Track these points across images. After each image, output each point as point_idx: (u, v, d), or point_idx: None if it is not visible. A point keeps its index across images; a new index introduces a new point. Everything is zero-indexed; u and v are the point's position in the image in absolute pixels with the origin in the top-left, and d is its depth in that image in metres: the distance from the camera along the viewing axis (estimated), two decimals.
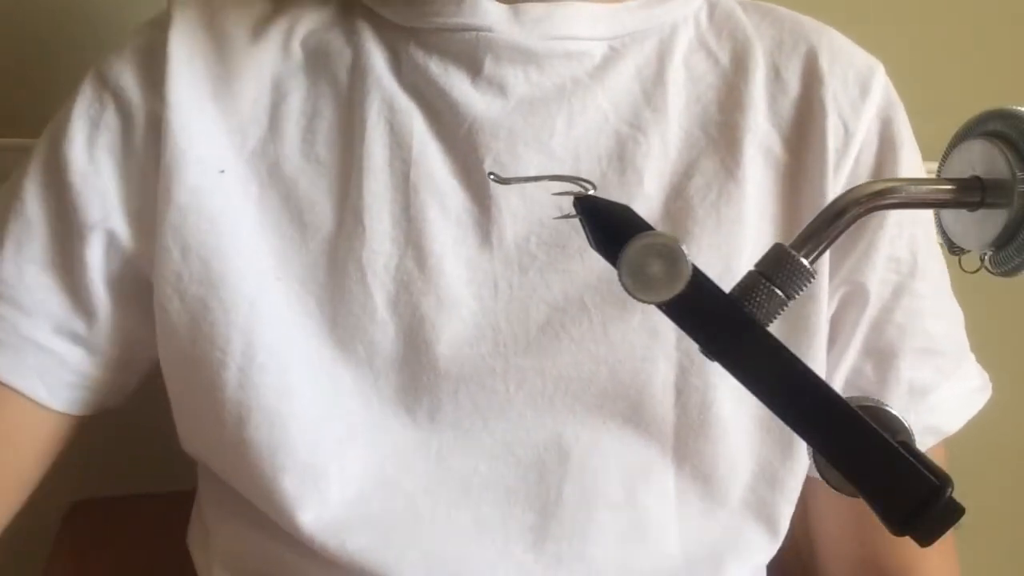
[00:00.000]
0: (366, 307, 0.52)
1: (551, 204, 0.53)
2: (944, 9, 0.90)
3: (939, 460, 0.59)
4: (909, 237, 0.56)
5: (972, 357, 0.61)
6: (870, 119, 0.55)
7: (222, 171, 0.53)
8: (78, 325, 0.55)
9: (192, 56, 0.54)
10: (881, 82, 0.57)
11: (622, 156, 0.54)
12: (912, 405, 0.57)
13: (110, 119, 0.55)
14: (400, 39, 0.55)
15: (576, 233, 0.52)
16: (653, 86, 0.55)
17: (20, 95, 0.83)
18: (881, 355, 0.57)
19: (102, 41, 0.83)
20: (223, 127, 0.54)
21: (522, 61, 0.53)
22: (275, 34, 0.56)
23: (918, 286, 0.56)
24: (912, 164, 0.56)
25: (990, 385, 0.61)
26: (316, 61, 0.56)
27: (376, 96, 0.54)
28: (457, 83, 0.53)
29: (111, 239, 0.54)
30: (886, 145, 0.56)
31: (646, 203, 0.54)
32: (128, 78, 0.55)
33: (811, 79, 0.56)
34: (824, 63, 0.56)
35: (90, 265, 0.54)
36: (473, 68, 0.54)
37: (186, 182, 0.52)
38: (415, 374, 0.53)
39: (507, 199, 0.53)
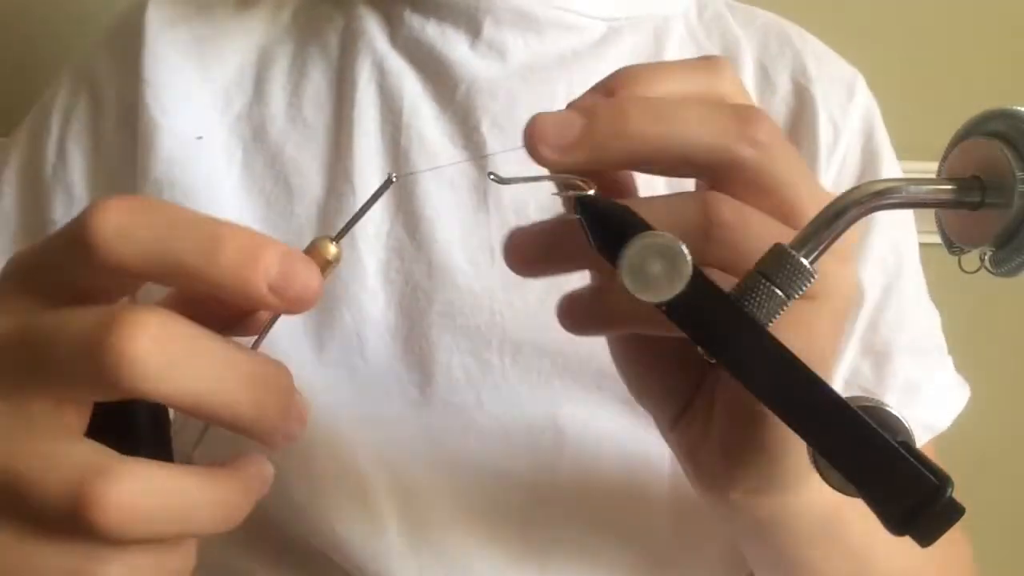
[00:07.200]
0: (355, 273, 0.51)
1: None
2: (945, 9, 0.90)
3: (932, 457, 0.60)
4: (892, 239, 0.58)
5: (949, 358, 0.62)
6: (856, 120, 0.57)
7: (200, 137, 0.52)
8: None
9: (174, 20, 0.54)
10: (863, 86, 0.59)
11: None
12: (907, 401, 0.58)
13: (82, 110, 0.55)
14: (394, 4, 0.54)
15: None
16: None
17: (20, 93, 0.83)
18: (877, 354, 0.58)
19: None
20: (206, 90, 0.53)
21: (522, 26, 0.53)
22: (264, 2, 0.56)
23: (904, 285, 0.58)
24: (892, 169, 0.59)
25: (967, 385, 0.62)
26: (306, 27, 0.55)
27: (367, 58, 0.53)
28: (455, 45, 0.53)
29: None
30: (869, 146, 0.58)
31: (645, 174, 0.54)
32: (102, 65, 0.55)
33: (800, 79, 0.57)
34: (811, 66, 0.58)
35: None
36: (472, 30, 0.53)
37: (161, 155, 0.51)
38: (406, 344, 0.51)
39: (505, 160, 0.51)
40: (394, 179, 0.31)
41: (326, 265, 0.28)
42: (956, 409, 0.61)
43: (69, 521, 0.25)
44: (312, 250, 0.28)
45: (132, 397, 0.25)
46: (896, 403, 0.57)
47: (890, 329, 0.58)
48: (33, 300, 0.27)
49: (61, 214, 0.54)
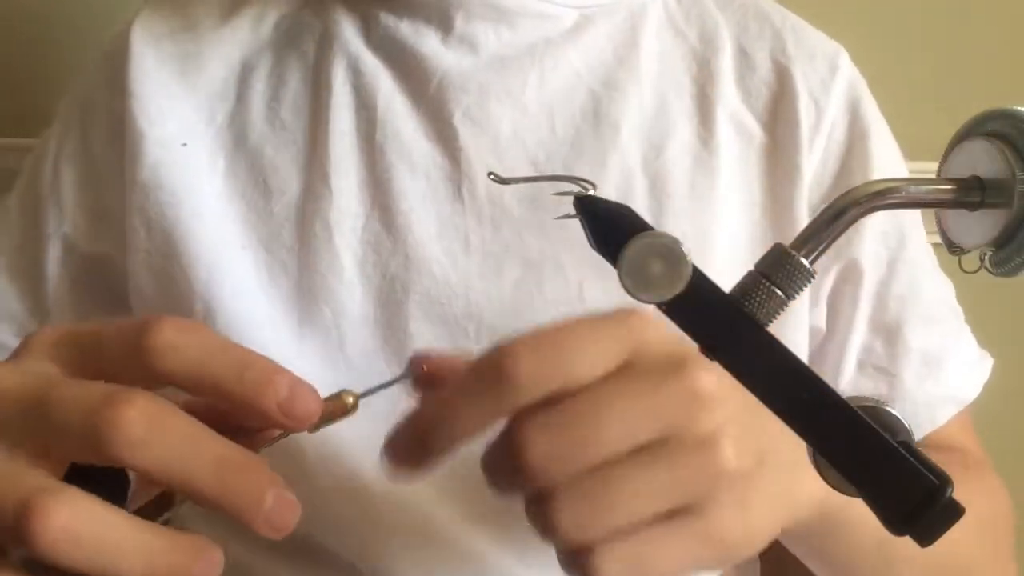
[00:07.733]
0: (333, 268, 0.52)
1: (525, 158, 0.53)
2: (946, 9, 0.90)
3: (966, 427, 0.60)
4: (892, 212, 0.57)
5: (967, 327, 0.61)
6: (839, 96, 0.57)
7: (184, 144, 0.54)
8: (33, 326, 0.57)
9: (159, 36, 0.56)
10: (847, 61, 0.58)
11: (596, 111, 0.54)
12: (930, 375, 0.57)
13: (75, 127, 0.57)
14: (370, 8, 0.56)
15: (551, 187, 0.53)
16: (626, 51, 0.56)
17: (20, 95, 0.83)
18: (888, 330, 0.57)
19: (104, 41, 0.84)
20: (190, 103, 0.55)
21: (493, 19, 0.54)
22: (246, 17, 0.57)
23: (910, 256, 0.57)
24: (883, 140, 0.58)
25: (988, 355, 0.61)
26: (286, 37, 0.57)
27: (342, 60, 0.55)
28: (427, 41, 0.54)
29: (69, 245, 0.57)
30: (856, 122, 0.57)
31: (622, 156, 0.54)
32: (94, 84, 0.58)
33: (779, 58, 0.57)
34: (790, 44, 0.57)
35: (47, 272, 0.57)
36: (444, 26, 0.54)
37: (146, 162, 0.53)
38: (384, 337, 0.52)
39: (479, 153, 0.53)
40: (425, 367, 0.36)
41: (341, 409, 0.33)
42: (981, 380, 0.60)
43: (14, 534, 0.27)
44: (335, 396, 0.33)
45: (111, 463, 0.29)
46: (916, 377, 0.57)
47: (899, 303, 0.57)
48: (62, 369, 0.31)
49: (56, 225, 0.57)
